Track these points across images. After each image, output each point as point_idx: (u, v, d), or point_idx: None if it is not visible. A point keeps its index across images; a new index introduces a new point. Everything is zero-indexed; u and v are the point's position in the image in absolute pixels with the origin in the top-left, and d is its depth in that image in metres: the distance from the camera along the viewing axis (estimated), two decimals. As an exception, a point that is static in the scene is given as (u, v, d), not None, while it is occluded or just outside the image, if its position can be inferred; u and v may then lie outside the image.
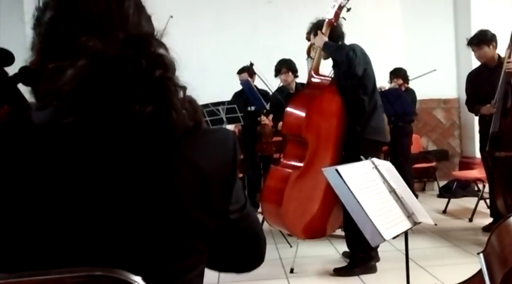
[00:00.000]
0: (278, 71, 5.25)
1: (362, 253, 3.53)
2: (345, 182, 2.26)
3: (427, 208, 4.23)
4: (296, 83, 5.25)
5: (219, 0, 6.70)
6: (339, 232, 4.21)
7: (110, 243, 0.73)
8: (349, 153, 3.60)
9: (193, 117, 0.78)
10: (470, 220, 5.00)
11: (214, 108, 5.06)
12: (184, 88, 0.78)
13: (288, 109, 3.78)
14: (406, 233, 2.42)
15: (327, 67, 3.97)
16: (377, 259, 3.64)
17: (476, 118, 4.81)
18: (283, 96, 5.23)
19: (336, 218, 3.81)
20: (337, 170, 2.31)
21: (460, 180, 5.91)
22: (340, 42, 3.68)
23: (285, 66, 5.21)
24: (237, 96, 5.82)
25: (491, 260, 1.42)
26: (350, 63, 3.46)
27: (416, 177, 6.55)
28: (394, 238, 2.29)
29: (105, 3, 0.80)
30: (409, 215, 2.37)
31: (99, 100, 0.71)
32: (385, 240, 2.22)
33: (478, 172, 5.27)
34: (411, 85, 6.18)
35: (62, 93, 0.71)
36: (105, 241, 0.73)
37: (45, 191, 0.71)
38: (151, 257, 0.75)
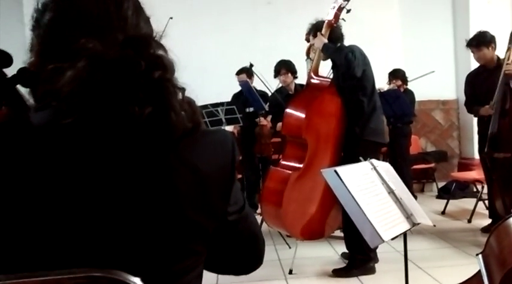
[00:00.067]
0: (277, 72, 5.25)
1: (361, 254, 3.53)
2: (343, 183, 2.26)
3: (426, 209, 4.22)
4: (295, 84, 5.26)
5: (219, 2, 6.70)
6: (338, 233, 4.21)
7: (108, 244, 0.73)
8: (348, 154, 3.60)
9: (192, 118, 0.78)
10: (469, 221, 5.01)
11: (214, 109, 5.06)
12: (183, 90, 0.78)
13: (288, 110, 3.78)
14: (405, 235, 2.42)
15: (326, 68, 3.97)
16: (376, 260, 3.64)
17: (475, 120, 4.82)
18: (283, 97, 5.23)
19: (335, 219, 3.81)
20: (336, 171, 2.31)
21: (459, 181, 5.91)
22: (339, 44, 3.68)
23: (284, 67, 5.21)
24: (236, 97, 5.82)
25: (490, 262, 1.42)
26: (349, 65, 3.46)
27: (415, 178, 6.55)
28: (393, 239, 2.29)
29: (103, 5, 0.80)
30: (408, 216, 2.37)
31: (98, 101, 0.71)
32: (384, 241, 2.22)
33: (476, 173, 5.27)
34: (410, 86, 6.19)
35: (61, 94, 0.71)
36: (104, 242, 0.73)
37: (44, 192, 0.71)
38: (150, 259, 0.75)
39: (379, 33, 6.75)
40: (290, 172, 3.62)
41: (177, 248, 0.78)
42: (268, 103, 5.51)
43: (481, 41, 4.36)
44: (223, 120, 5.09)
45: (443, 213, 5.45)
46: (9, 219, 0.71)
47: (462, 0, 6.90)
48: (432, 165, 6.80)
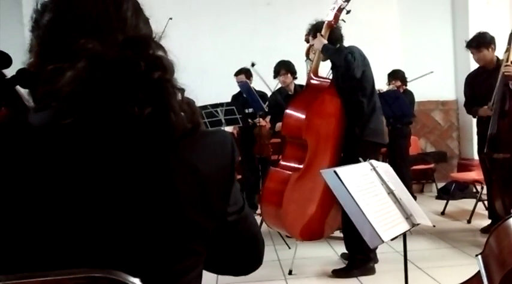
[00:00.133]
0: (277, 73, 5.26)
1: (360, 254, 3.53)
2: (343, 184, 2.26)
3: (426, 209, 4.22)
4: (295, 85, 5.26)
5: (218, 3, 6.70)
6: (338, 233, 4.21)
7: (108, 245, 0.73)
8: (347, 155, 3.60)
9: (192, 119, 0.78)
10: (469, 221, 5.01)
11: (213, 110, 5.06)
12: (182, 90, 0.78)
13: (288, 111, 3.78)
14: (404, 235, 2.42)
15: (325, 68, 3.98)
16: (375, 260, 3.64)
17: (475, 120, 4.82)
18: (282, 98, 5.24)
19: (334, 219, 3.81)
20: (335, 172, 2.31)
21: (459, 182, 5.91)
22: (338, 45, 3.68)
23: (283, 68, 5.21)
24: (235, 98, 5.82)
25: (490, 262, 1.42)
26: (348, 66, 3.46)
27: (414, 178, 6.56)
28: (392, 239, 2.29)
29: (103, 6, 0.80)
30: (408, 216, 2.37)
31: (98, 101, 0.71)
32: (383, 242, 2.22)
33: (476, 174, 5.27)
34: (409, 87, 6.19)
35: (61, 95, 0.71)
36: (103, 243, 0.73)
37: (44, 192, 0.71)
38: (150, 259, 0.75)
39: (378, 34, 6.75)
40: (290, 172, 3.62)
41: (177, 248, 0.78)
42: (267, 104, 5.51)
43: (481, 42, 4.35)
44: (223, 121, 5.09)
45: (442, 213, 5.45)
46: (9, 219, 0.71)
47: (461, 1, 6.90)
48: (432, 165, 6.80)
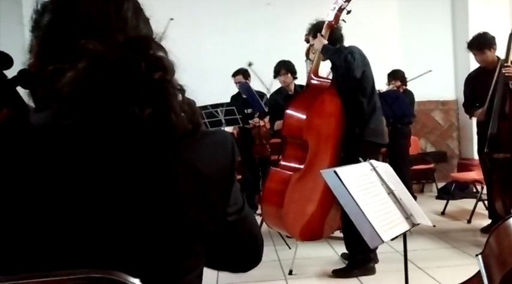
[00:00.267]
0: (277, 72, 5.26)
1: (361, 254, 3.53)
2: (343, 184, 2.26)
3: (426, 209, 4.22)
4: (295, 85, 5.26)
5: (218, 3, 6.71)
6: (338, 233, 4.21)
7: (109, 245, 0.73)
8: (348, 155, 3.60)
9: (192, 119, 0.78)
10: (469, 221, 5.01)
11: (213, 110, 5.06)
12: (183, 91, 0.78)
13: (288, 111, 3.78)
14: (404, 235, 2.42)
15: (325, 69, 3.98)
16: (376, 260, 3.64)
17: (475, 120, 4.82)
18: (282, 98, 5.24)
19: (333, 219, 3.82)
20: (335, 172, 2.31)
21: (459, 182, 5.91)
22: (339, 45, 3.68)
23: (284, 68, 5.21)
24: (234, 98, 5.83)
25: (490, 262, 1.42)
26: (348, 67, 3.46)
27: (414, 178, 6.56)
28: (392, 239, 2.29)
29: (103, 6, 0.80)
30: (408, 216, 2.37)
31: (98, 102, 0.71)
32: (383, 242, 2.22)
33: (476, 174, 5.27)
34: (409, 87, 6.19)
35: (61, 95, 0.71)
36: (104, 243, 0.73)
37: (44, 193, 0.71)
38: (151, 260, 0.75)
39: (378, 34, 6.75)
40: (291, 173, 3.62)
41: (178, 248, 0.78)
42: (265, 103, 5.52)
43: (483, 43, 4.34)
44: (223, 121, 5.10)
45: (443, 213, 5.45)
46: (9, 220, 0.71)
47: (461, 1, 6.91)
48: (432, 165, 6.80)
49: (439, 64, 6.84)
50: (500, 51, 4.34)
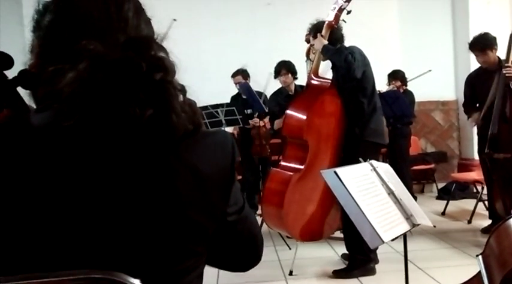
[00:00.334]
0: (277, 73, 5.26)
1: (361, 255, 3.53)
2: (343, 184, 2.26)
3: (426, 210, 4.22)
4: (295, 85, 5.26)
5: (218, 4, 6.71)
6: (338, 234, 4.21)
7: (109, 246, 0.73)
8: (348, 155, 3.60)
9: (193, 119, 0.78)
10: (469, 221, 5.01)
11: (213, 111, 5.06)
12: (184, 91, 0.78)
13: (289, 111, 3.78)
14: (404, 235, 2.42)
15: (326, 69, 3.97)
16: (376, 261, 3.64)
17: (475, 120, 4.82)
18: (283, 98, 5.24)
19: (334, 220, 3.82)
20: (335, 172, 2.31)
21: (459, 182, 5.91)
22: (339, 45, 3.68)
23: (284, 68, 5.21)
24: (234, 99, 5.83)
25: (490, 262, 1.42)
26: (349, 67, 3.46)
27: (415, 178, 6.55)
28: (393, 240, 2.29)
29: (104, 6, 0.80)
30: (408, 217, 2.37)
31: (99, 102, 0.71)
32: (383, 242, 2.22)
33: (476, 174, 5.27)
34: (409, 87, 6.19)
35: (62, 95, 0.71)
36: (104, 244, 0.73)
37: (44, 193, 0.71)
38: (151, 260, 0.75)
39: (379, 34, 6.75)
40: (291, 173, 3.62)
41: (178, 249, 0.78)
42: (263, 101, 5.52)
43: (485, 44, 4.33)
44: (223, 121, 5.10)
45: (443, 213, 5.45)
46: (10, 220, 0.71)
47: (461, 1, 6.90)
48: (432, 165, 6.80)
49: (439, 64, 6.84)
50: (500, 52, 4.34)
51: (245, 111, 5.64)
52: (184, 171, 0.78)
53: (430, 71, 6.43)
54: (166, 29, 0.84)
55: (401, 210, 2.38)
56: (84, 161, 0.73)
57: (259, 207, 4.16)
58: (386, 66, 6.12)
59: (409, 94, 6.05)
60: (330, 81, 3.78)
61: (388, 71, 6.12)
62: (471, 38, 4.57)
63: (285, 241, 4.30)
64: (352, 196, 2.24)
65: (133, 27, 0.82)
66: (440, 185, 6.59)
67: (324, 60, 3.78)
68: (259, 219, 4.12)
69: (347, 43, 3.74)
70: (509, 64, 4.03)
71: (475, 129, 4.91)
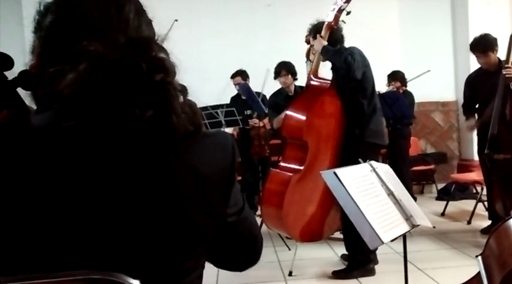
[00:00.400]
0: (277, 73, 5.26)
1: (360, 255, 3.53)
2: (343, 185, 2.26)
3: (426, 210, 4.24)
4: (295, 86, 5.26)
5: (219, 5, 6.71)
6: (338, 234, 4.21)
7: (109, 246, 0.73)
8: (348, 156, 3.60)
9: (193, 120, 0.78)
10: (469, 222, 5.01)
11: (213, 111, 5.06)
12: (185, 92, 0.78)
13: (288, 112, 3.78)
14: (404, 236, 2.42)
15: (325, 69, 3.97)
16: (375, 261, 3.64)
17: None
18: (282, 98, 5.24)
19: (333, 220, 3.82)
20: (335, 173, 2.31)
21: (459, 183, 5.91)
22: (339, 46, 3.68)
23: (284, 69, 5.21)
24: (234, 99, 5.83)
25: (490, 263, 1.42)
26: (349, 68, 3.46)
27: (414, 179, 6.55)
28: (392, 240, 2.29)
29: (104, 7, 0.80)
30: (408, 218, 2.37)
31: (99, 103, 0.71)
32: (383, 243, 2.22)
33: (476, 175, 5.27)
34: (409, 88, 6.19)
35: (62, 96, 0.71)
36: (104, 245, 0.73)
37: (44, 194, 0.71)
38: (151, 261, 0.76)
39: (378, 35, 6.75)
40: (291, 174, 3.62)
41: (178, 250, 0.78)
42: (262, 100, 5.52)
43: (486, 46, 4.32)
44: (223, 122, 5.10)
45: (442, 214, 5.45)
46: (10, 221, 0.71)
47: (461, 2, 6.91)
48: (432, 166, 6.80)
49: (439, 65, 6.85)
50: (500, 52, 4.34)
51: (245, 111, 5.64)
52: (184, 171, 0.78)
53: (429, 71, 6.43)
54: (168, 30, 0.84)
55: (400, 211, 2.38)
56: (84, 162, 0.73)
57: (259, 208, 4.16)
58: (386, 67, 6.12)
59: (409, 95, 6.05)
60: (329, 81, 3.78)
61: (388, 71, 6.12)
62: (471, 39, 4.57)
63: (284, 242, 4.29)
64: (351, 196, 2.24)
65: (134, 28, 0.82)
66: (440, 186, 6.59)
67: (323, 60, 3.78)
68: (258, 220, 4.12)
69: (347, 44, 3.74)
70: (509, 65, 4.03)
71: (474, 130, 4.91)
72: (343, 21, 3.72)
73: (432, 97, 7.03)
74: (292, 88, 5.26)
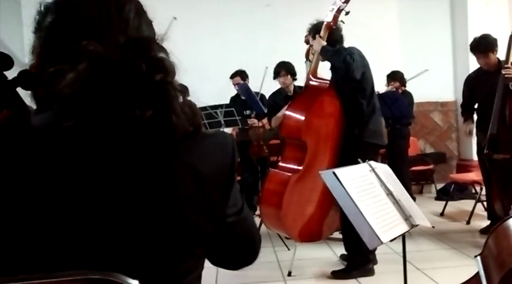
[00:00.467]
0: (277, 74, 5.26)
1: (360, 255, 3.53)
2: (342, 185, 2.26)
3: (425, 210, 4.24)
4: (294, 86, 5.27)
5: (218, 5, 6.71)
6: (337, 234, 4.21)
7: (108, 247, 0.73)
8: (347, 156, 3.60)
9: (193, 120, 0.78)
10: (468, 222, 5.01)
11: (213, 111, 5.06)
12: (185, 92, 0.78)
13: (287, 112, 3.78)
14: (403, 236, 2.42)
15: (325, 69, 3.97)
16: (375, 261, 3.64)
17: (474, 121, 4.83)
18: (282, 98, 5.24)
19: (332, 221, 3.82)
20: (334, 173, 2.31)
21: (458, 183, 5.92)
22: (338, 46, 3.68)
23: (283, 69, 5.22)
24: (233, 99, 5.83)
25: (489, 263, 1.42)
26: (348, 68, 3.46)
27: (413, 179, 6.55)
28: (391, 240, 2.29)
29: (105, 8, 0.80)
30: (407, 218, 2.37)
31: (99, 103, 0.71)
32: (382, 243, 2.22)
33: (475, 175, 5.28)
34: (408, 88, 6.20)
35: (62, 96, 0.71)
36: (103, 245, 0.73)
37: (44, 194, 0.71)
38: (150, 261, 0.76)
39: (378, 35, 6.75)
40: (290, 174, 3.62)
41: (177, 250, 0.78)
42: (261, 99, 5.52)
43: (486, 47, 4.31)
44: (222, 122, 5.10)
45: (442, 214, 5.45)
46: (9, 221, 0.71)
47: (460, 2, 6.91)
48: (431, 166, 6.81)
49: (438, 65, 6.85)
50: (500, 53, 4.34)
51: (244, 111, 5.64)
52: (183, 172, 0.78)
53: (427, 70, 6.43)
54: (166, 28, 0.85)
55: (400, 211, 2.38)
56: (84, 162, 0.73)
57: (258, 208, 4.16)
58: (385, 67, 6.12)
59: (408, 95, 6.05)
60: (328, 82, 3.78)
61: (387, 71, 6.12)
62: (470, 39, 4.57)
63: (283, 242, 4.29)
64: (350, 197, 2.24)
65: (134, 28, 0.82)
66: (439, 186, 6.60)
67: (322, 60, 3.78)
68: (257, 220, 4.12)
69: (346, 44, 3.74)
70: (509, 65, 4.03)
71: (474, 130, 4.91)
72: (342, 21, 3.72)
73: (431, 97, 7.03)
74: (292, 88, 5.27)
